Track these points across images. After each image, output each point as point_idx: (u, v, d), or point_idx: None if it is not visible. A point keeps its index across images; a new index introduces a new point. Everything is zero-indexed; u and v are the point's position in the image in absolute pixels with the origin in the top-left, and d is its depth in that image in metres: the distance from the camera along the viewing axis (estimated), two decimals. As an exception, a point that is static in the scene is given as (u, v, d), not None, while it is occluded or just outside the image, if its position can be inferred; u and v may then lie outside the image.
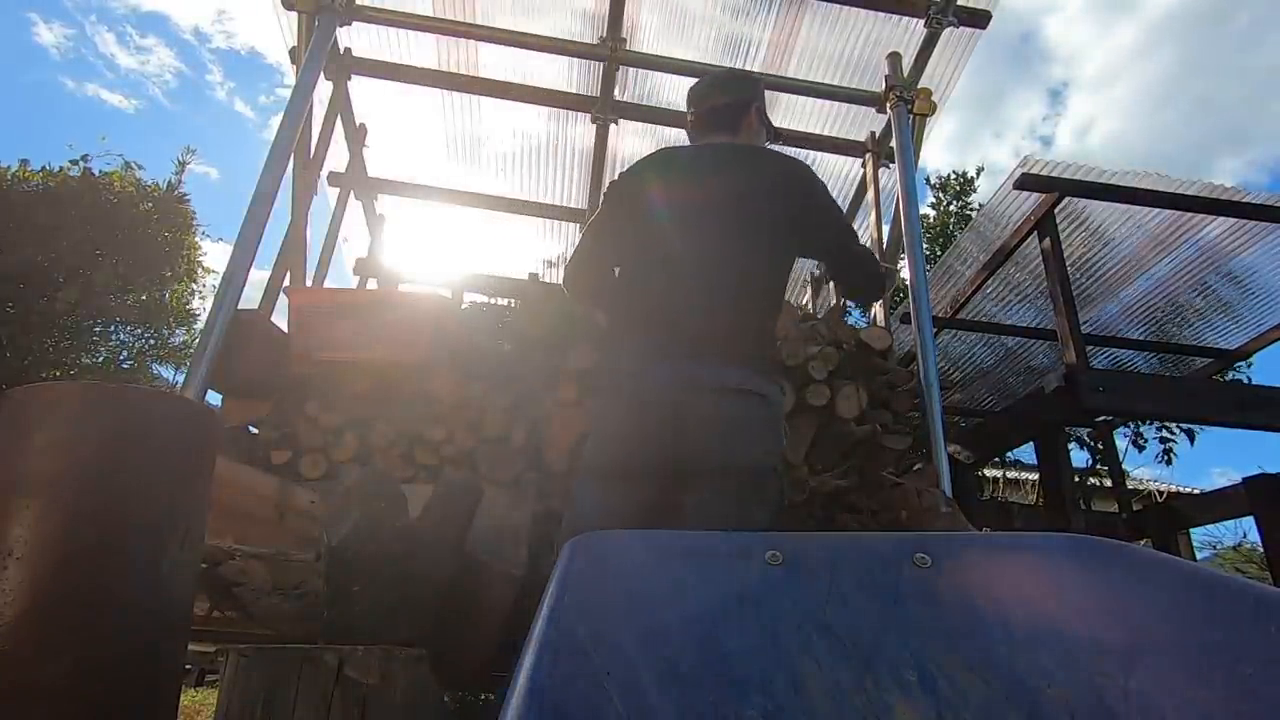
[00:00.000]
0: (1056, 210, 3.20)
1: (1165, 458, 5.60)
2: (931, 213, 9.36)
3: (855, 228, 3.88)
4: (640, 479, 1.42)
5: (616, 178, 1.71)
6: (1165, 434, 5.56)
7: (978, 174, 9.46)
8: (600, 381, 1.64)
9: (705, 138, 1.72)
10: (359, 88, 3.43)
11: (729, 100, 1.70)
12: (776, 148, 1.77)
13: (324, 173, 3.37)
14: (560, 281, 1.76)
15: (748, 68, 3.38)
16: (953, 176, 9.46)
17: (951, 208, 9.23)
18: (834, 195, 1.72)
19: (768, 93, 3.38)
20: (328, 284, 3.37)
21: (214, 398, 2.25)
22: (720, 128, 1.70)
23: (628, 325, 1.57)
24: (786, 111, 3.60)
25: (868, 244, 3.26)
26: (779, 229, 1.56)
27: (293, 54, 2.98)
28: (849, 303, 2.29)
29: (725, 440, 1.39)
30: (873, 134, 3.57)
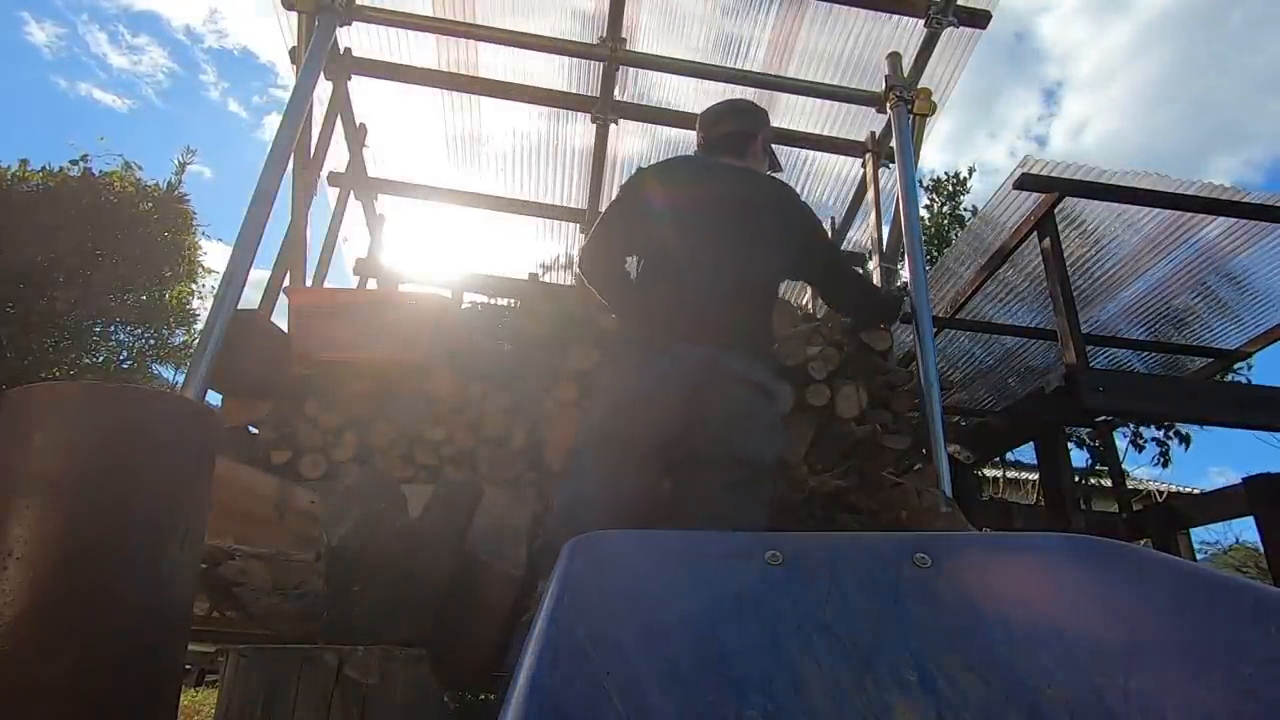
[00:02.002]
0: (1056, 210, 3.21)
1: (1162, 460, 5.64)
2: (925, 215, 9.34)
3: (855, 228, 3.91)
4: (644, 455, 1.44)
5: (637, 172, 1.78)
6: (1163, 437, 5.59)
7: (970, 174, 9.46)
8: (618, 352, 1.67)
9: (713, 158, 1.84)
10: (359, 88, 3.43)
11: (740, 129, 1.83)
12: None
13: (324, 173, 3.37)
14: (563, 277, 1.86)
15: (747, 68, 3.39)
16: (945, 177, 9.46)
17: (944, 209, 9.22)
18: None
19: (768, 93, 3.41)
20: (328, 284, 3.37)
21: (214, 398, 2.25)
22: (728, 151, 1.82)
23: (653, 308, 1.62)
24: (786, 111, 3.60)
25: (867, 244, 3.26)
26: (783, 242, 1.70)
27: (293, 54, 2.98)
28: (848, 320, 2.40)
29: (737, 429, 1.45)
30: (873, 134, 3.57)
